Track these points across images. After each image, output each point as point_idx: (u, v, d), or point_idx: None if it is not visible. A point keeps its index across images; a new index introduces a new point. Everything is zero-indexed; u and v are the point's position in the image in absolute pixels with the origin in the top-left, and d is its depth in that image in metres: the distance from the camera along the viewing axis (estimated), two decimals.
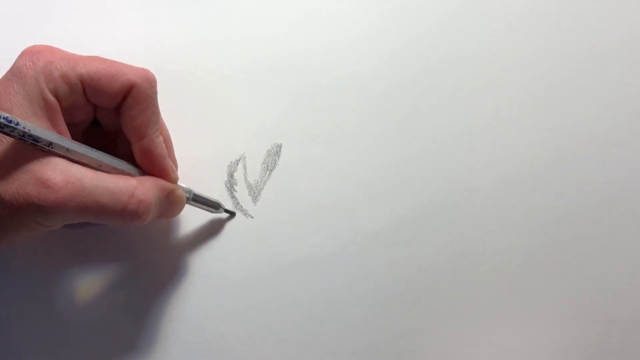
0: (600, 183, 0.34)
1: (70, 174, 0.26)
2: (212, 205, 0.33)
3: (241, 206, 0.34)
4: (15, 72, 0.26)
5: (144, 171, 0.30)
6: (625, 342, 0.33)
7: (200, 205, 0.32)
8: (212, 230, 0.34)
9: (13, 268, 0.33)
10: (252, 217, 0.34)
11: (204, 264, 0.34)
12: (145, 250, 0.34)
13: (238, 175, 0.35)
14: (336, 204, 0.34)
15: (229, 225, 0.34)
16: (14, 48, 0.27)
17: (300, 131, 0.35)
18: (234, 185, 0.35)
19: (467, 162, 0.34)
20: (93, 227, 0.34)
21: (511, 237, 0.34)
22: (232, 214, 0.34)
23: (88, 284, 0.33)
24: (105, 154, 0.28)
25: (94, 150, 0.27)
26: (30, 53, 0.27)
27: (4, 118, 0.24)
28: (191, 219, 0.34)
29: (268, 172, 0.35)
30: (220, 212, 0.34)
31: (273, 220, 0.34)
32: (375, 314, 0.33)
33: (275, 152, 0.35)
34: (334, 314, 0.33)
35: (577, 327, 0.33)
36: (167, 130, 0.32)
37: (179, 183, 0.31)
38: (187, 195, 0.31)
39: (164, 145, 0.30)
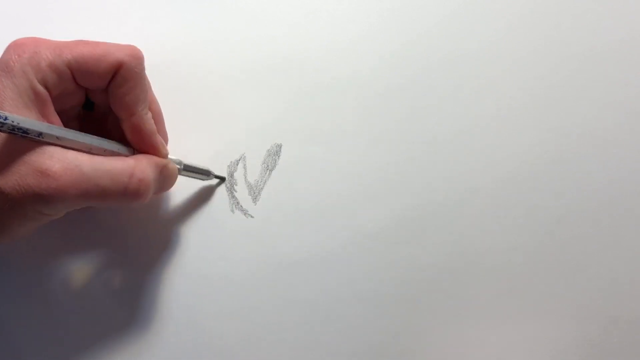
0: (600, 183, 0.34)
1: (68, 161, 0.26)
2: (202, 172, 0.33)
3: (241, 206, 0.34)
4: (2, 67, 0.26)
5: (134, 149, 0.30)
6: (625, 342, 0.33)
7: (191, 174, 0.33)
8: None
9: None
10: (252, 217, 0.34)
11: (204, 264, 0.34)
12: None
13: (238, 175, 0.35)
14: (336, 204, 0.34)
15: (229, 225, 0.34)
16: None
17: (300, 131, 0.35)
18: (234, 185, 0.35)
19: (467, 162, 0.34)
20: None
21: (511, 237, 0.34)
22: (222, 179, 0.34)
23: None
24: (95, 137, 0.28)
25: (84, 134, 0.28)
26: (15, 46, 0.27)
27: None
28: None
29: (268, 172, 0.35)
30: (211, 179, 0.34)
31: (273, 220, 0.34)
32: (375, 314, 0.33)
33: (275, 152, 0.35)
34: (334, 314, 0.33)
35: (577, 327, 0.33)
36: (158, 105, 0.32)
37: (170, 156, 0.31)
38: (179, 166, 0.32)
39: (153, 121, 0.30)
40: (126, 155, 0.29)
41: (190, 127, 0.35)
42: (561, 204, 0.34)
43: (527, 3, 0.36)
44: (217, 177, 0.34)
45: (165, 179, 0.31)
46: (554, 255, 0.34)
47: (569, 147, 0.34)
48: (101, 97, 0.30)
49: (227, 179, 0.35)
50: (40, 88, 0.26)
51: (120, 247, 0.34)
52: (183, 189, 0.34)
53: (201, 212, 0.34)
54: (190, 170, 0.33)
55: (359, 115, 0.35)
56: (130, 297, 0.33)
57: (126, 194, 0.27)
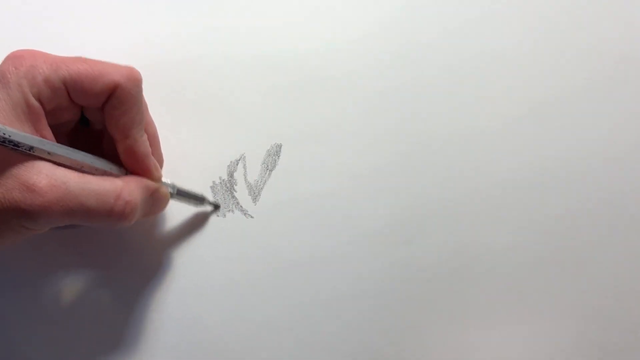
0: (600, 183, 0.34)
1: (56, 178, 0.26)
2: (196, 198, 0.33)
3: (241, 206, 0.34)
4: None
5: (127, 170, 0.30)
6: (625, 342, 0.33)
7: (184, 199, 0.33)
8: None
9: (3, 262, 0.33)
10: (252, 217, 0.34)
11: (204, 264, 0.34)
12: (136, 248, 0.34)
13: (238, 175, 0.35)
14: (336, 204, 0.34)
15: (229, 226, 0.34)
16: (12, 47, 0.27)
17: (300, 131, 0.35)
18: (234, 185, 0.35)
19: (468, 162, 0.34)
20: (81, 227, 0.34)
21: (511, 237, 0.34)
22: (216, 207, 0.34)
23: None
24: (88, 154, 0.28)
25: (76, 151, 0.27)
26: (13, 58, 0.27)
27: None
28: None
29: (268, 172, 0.35)
30: (205, 206, 0.34)
31: (273, 220, 0.34)
32: (375, 313, 0.33)
33: (275, 152, 0.35)
34: (334, 314, 0.33)
35: (577, 327, 0.33)
36: (154, 126, 0.32)
37: (163, 179, 0.31)
38: (171, 190, 0.31)
39: (148, 143, 0.30)
40: (117, 176, 0.29)
41: (191, 127, 0.35)
42: (561, 204, 0.34)
43: (527, 4, 0.36)
44: (211, 204, 0.34)
45: (155, 202, 0.30)
46: (554, 255, 0.34)
47: (569, 147, 0.34)
48: (97, 115, 0.29)
49: (227, 178, 0.35)
50: (34, 102, 0.26)
51: (112, 246, 0.34)
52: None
53: (201, 210, 0.34)
54: (184, 195, 0.32)
55: (359, 115, 0.35)
56: (129, 297, 0.33)
57: (111, 215, 0.27)
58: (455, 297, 0.33)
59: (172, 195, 0.32)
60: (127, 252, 0.34)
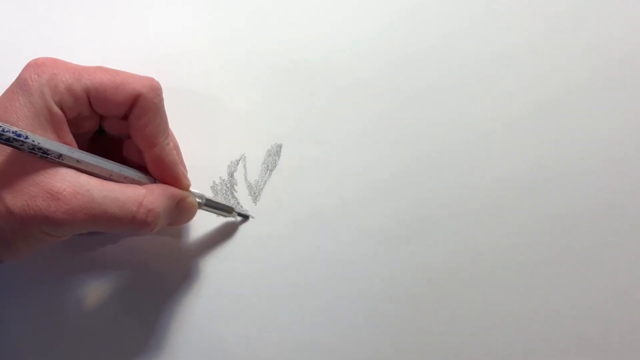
0: (600, 182, 0.34)
1: (80, 185, 0.26)
2: (225, 209, 0.33)
3: (241, 206, 0.34)
4: (20, 84, 0.26)
5: (155, 178, 0.30)
6: (625, 342, 0.33)
7: (213, 210, 0.32)
8: (225, 234, 0.34)
9: (20, 274, 0.33)
10: (252, 217, 0.34)
11: (204, 264, 0.34)
12: (149, 254, 0.34)
13: (238, 175, 0.35)
14: (336, 204, 0.34)
15: (229, 225, 0.34)
16: (17, 48, 0.27)
17: (300, 131, 0.35)
18: (234, 185, 0.35)
19: (468, 162, 0.34)
20: (102, 234, 0.34)
21: (511, 237, 0.34)
22: (245, 217, 0.34)
23: (95, 289, 0.33)
24: (115, 163, 0.28)
25: (104, 160, 0.28)
26: (35, 65, 0.27)
27: (13, 132, 0.24)
28: (201, 223, 0.34)
29: (268, 172, 0.35)
30: (234, 216, 0.34)
31: (273, 220, 0.34)
32: (375, 313, 0.33)
33: (275, 152, 0.35)
34: (334, 314, 0.33)
35: (577, 327, 0.33)
36: (175, 138, 0.32)
37: (192, 189, 0.31)
38: (200, 200, 0.31)
39: (174, 152, 0.30)
40: (143, 184, 0.29)
41: (191, 127, 0.35)
42: (561, 204, 0.34)
43: (530, 5, 0.36)
44: (241, 215, 0.34)
45: (182, 211, 0.30)
46: (554, 255, 0.34)
47: (569, 147, 0.34)
48: (115, 127, 0.30)
49: (227, 178, 0.35)
50: (57, 109, 0.26)
51: (125, 252, 0.34)
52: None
53: (201, 210, 0.34)
54: (212, 207, 0.32)
55: (359, 115, 0.35)
56: (134, 300, 0.33)
57: (133, 222, 0.27)
58: (455, 297, 0.33)
59: (200, 205, 0.31)
60: (139, 258, 0.34)
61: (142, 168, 0.30)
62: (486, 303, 0.33)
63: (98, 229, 0.27)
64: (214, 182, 0.35)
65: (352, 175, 0.34)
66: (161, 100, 0.29)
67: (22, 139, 0.24)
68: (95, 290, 0.33)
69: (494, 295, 0.33)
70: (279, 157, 0.35)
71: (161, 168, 0.29)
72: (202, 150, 0.35)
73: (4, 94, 0.27)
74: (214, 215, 0.33)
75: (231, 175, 0.35)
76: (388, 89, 0.35)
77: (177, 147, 0.32)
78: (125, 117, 0.29)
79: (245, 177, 0.35)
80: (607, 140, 0.34)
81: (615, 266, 0.33)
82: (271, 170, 0.35)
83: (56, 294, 0.33)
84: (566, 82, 0.35)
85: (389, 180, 0.34)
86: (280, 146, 0.35)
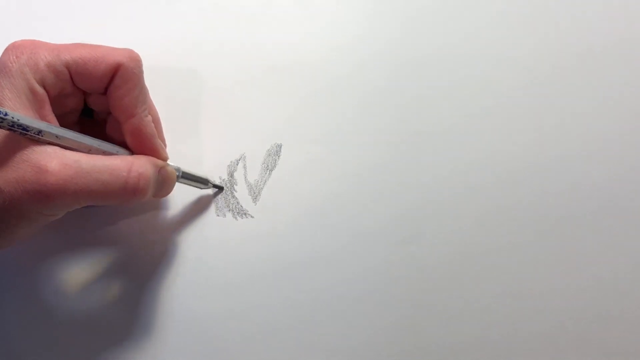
0: (600, 182, 0.34)
1: (66, 158, 0.26)
2: (201, 181, 0.33)
3: (241, 206, 0.34)
4: (0, 68, 0.26)
5: (133, 152, 0.30)
6: (625, 342, 0.33)
7: (189, 182, 0.33)
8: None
9: (5, 258, 0.33)
10: (252, 217, 0.34)
11: (204, 264, 0.34)
12: (139, 241, 0.34)
13: (238, 174, 0.35)
14: (336, 204, 0.34)
15: (229, 225, 0.34)
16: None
17: (300, 131, 0.35)
18: (234, 185, 0.35)
19: (468, 162, 0.34)
20: (87, 217, 0.34)
21: (511, 237, 0.34)
22: (220, 189, 0.34)
23: (81, 276, 0.33)
24: (95, 138, 0.28)
25: (83, 135, 0.28)
26: (13, 48, 0.27)
27: None
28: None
29: (268, 172, 0.35)
30: (209, 187, 0.34)
31: (273, 220, 0.34)
32: (375, 313, 0.33)
33: (275, 152, 0.35)
34: (334, 313, 0.33)
35: (577, 327, 0.33)
36: (156, 111, 0.32)
37: (168, 162, 0.31)
38: (177, 173, 0.32)
39: (153, 125, 0.30)
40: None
41: (191, 127, 0.35)
42: (561, 204, 0.34)
43: (527, 4, 0.36)
44: (215, 186, 0.34)
45: (163, 180, 0.30)
46: (554, 255, 0.34)
47: (569, 147, 0.34)
48: (99, 103, 0.30)
49: (227, 178, 0.35)
50: (39, 88, 0.26)
51: (119, 251, 0.34)
52: (181, 196, 0.34)
53: (200, 212, 0.34)
54: (188, 178, 0.33)
55: (359, 115, 0.35)
56: (129, 298, 0.33)
57: (126, 188, 0.27)
58: (455, 297, 0.33)
59: (177, 178, 0.32)
60: (129, 243, 0.34)
61: (124, 146, 0.30)
62: (486, 303, 0.33)
63: (90, 200, 0.27)
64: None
65: (351, 175, 0.34)
66: (141, 71, 0.29)
67: (1, 115, 0.24)
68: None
69: (493, 295, 0.33)
70: (278, 156, 0.35)
71: (139, 139, 0.29)
72: (203, 150, 0.35)
73: None
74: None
75: (231, 174, 0.35)
76: (388, 89, 0.35)
77: (157, 121, 0.32)
78: (106, 93, 0.29)
79: (245, 177, 0.35)
80: (608, 140, 0.34)
81: (615, 266, 0.33)
82: (271, 170, 0.35)
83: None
84: (567, 82, 0.35)
85: (388, 180, 0.34)
86: (280, 146, 0.35)
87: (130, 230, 0.34)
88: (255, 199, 0.34)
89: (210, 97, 0.35)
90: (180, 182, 0.32)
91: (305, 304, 0.33)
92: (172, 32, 0.36)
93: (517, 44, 0.35)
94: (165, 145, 0.33)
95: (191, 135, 0.35)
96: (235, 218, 0.34)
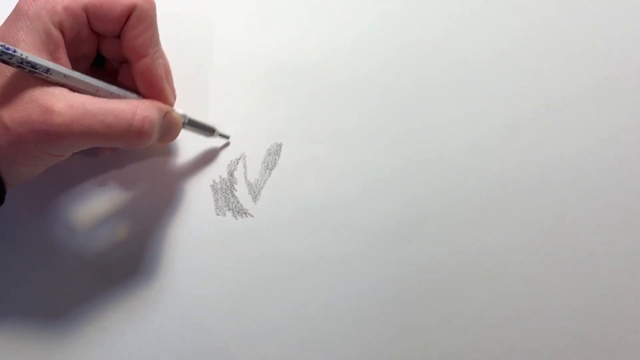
0: (600, 183, 0.34)
1: (73, 99, 0.27)
2: (207, 129, 0.33)
3: (241, 205, 0.34)
4: (17, 11, 0.27)
5: (141, 95, 0.30)
6: (625, 342, 0.33)
7: (195, 129, 0.33)
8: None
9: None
10: (252, 216, 0.34)
11: (204, 264, 0.34)
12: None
13: (238, 174, 0.35)
14: (336, 204, 0.34)
15: (229, 225, 0.34)
16: None
17: (300, 130, 0.35)
18: (234, 184, 0.35)
19: (467, 161, 0.34)
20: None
21: (511, 237, 0.34)
22: (226, 138, 0.35)
23: (87, 211, 0.34)
24: (103, 81, 0.29)
25: (91, 77, 0.28)
26: None
27: (1, 45, 0.25)
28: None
29: (268, 171, 0.35)
30: (215, 137, 0.34)
31: (273, 220, 0.34)
32: (375, 313, 0.33)
33: (275, 151, 0.35)
34: (334, 314, 0.33)
35: (577, 327, 0.33)
36: (167, 60, 0.32)
37: (175, 108, 0.31)
38: (183, 120, 0.32)
39: (163, 68, 0.30)
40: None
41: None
42: (561, 204, 0.34)
43: (527, 4, 0.36)
44: (222, 135, 0.34)
45: (168, 125, 0.31)
46: (554, 255, 0.34)
47: (569, 146, 0.34)
48: (112, 49, 0.30)
49: (227, 177, 0.35)
50: (55, 31, 0.27)
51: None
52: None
53: (201, 210, 0.34)
54: (195, 126, 0.33)
55: (359, 115, 0.35)
56: (127, 293, 0.33)
57: (130, 131, 0.28)
58: (455, 297, 0.33)
59: (183, 125, 0.32)
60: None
61: (133, 91, 0.30)
62: (485, 303, 0.33)
63: (95, 141, 0.27)
64: (213, 180, 0.35)
65: (351, 175, 0.34)
66: (155, 14, 0.30)
67: (10, 52, 0.25)
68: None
69: (493, 295, 0.33)
70: (278, 156, 0.35)
71: (149, 80, 0.30)
72: (202, 148, 0.35)
73: (3, 24, 0.27)
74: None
75: (231, 174, 0.35)
76: (388, 88, 0.35)
77: (168, 68, 0.32)
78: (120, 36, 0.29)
79: (245, 176, 0.35)
80: (607, 140, 0.34)
81: (615, 266, 0.33)
82: (271, 169, 0.35)
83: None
84: (565, 81, 0.35)
85: (388, 179, 0.34)
86: (280, 145, 0.35)
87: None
88: (255, 198, 0.34)
89: (210, 97, 0.35)
90: (186, 129, 0.32)
91: (305, 303, 0.33)
92: (172, 32, 0.36)
93: (518, 43, 0.35)
94: (174, 93, 0.33)
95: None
96: (235, 217, 0.34)
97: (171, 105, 0.31)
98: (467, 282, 0.33)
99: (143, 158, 0.35)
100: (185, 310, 0.33)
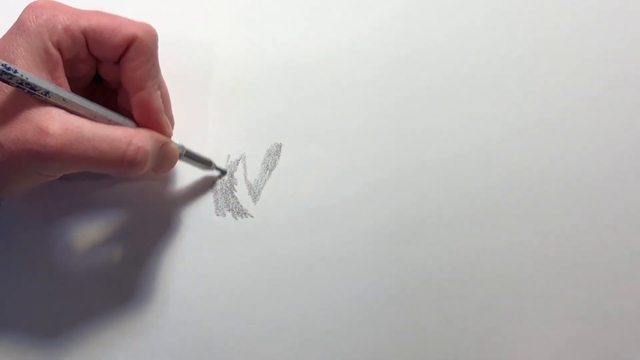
0: (602, 186, 0.34)
1: (69, 123, 0.26)
2: (204, 162, 0.33)
3: (241, 205, 0.34)
4: (19, 25, 0.27)
5: (139, 125, 0.30)
6: (625, 342, 0.33)
7: (192, 161, 0.33)
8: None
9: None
10: (252, 216, 0.34)
11: (204, 264, 0.34)
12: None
13: (238, 174, 0.35)
14: (336, 204, 0.34)
15: (229, 225, 0.34)
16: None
17: (300, 131, 0.35)
18: (234, 185, 0.35)
19: (467, 162, 0.34)
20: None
21: (511, 237, 0.34)
22: (223, 172, 0.35)
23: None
24: (102, 106, 0.28)
25: (90, 102, 0.28)
26: (34, 7, 0.27)
27: (2, 65, 0.25)
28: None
29: (268, 172, 0.35)
30: (212, 170, 0.34)
31: (273, 220, 0.34)
32: (375, 313, 0.33)
33: (275, 152, 0.35)
34: (334, 314, 0.33)
35: (577, 327, 0.33)
36: (166, 88, 0.33)
37: (173, 139, 0.31)
38: (180, 151, 0.32)
39: (161, 100, 0.30)
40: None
41: (191, 127, 0.35)
42: (561, 204, 0.34)
43: (527, 4, 0.36)
44: (218, 169, 0.34)
45: (165, 156, 0.31)
46: (554, 255, 0.33)
47: (570, 146, 0.34)
48: (111, 72, 0.30)
49: (227, 178, 0.35)
50: (53, 50, 0.27)
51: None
52: (184, 176, 0.35)
53: (201, 210, 0.34)
54: (192, 157, 0.33)
55: (359, 115, 0.35)
56: (127, 293, 0.33)
57: (123, 160, 0.27)
58: (455, 297, 0.33)
59: (180, 157, 0.32)
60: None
61: (131, 117, 0.30)
62: (485, 303, 0.33)
63: (87, 166, 0.27)
64: (213, 181, 0.35)
65: (351, 175, 0.34)
66: (156, 47, 0.29)
67: (10, 72, 0.25)
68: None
69: (493, 296, 0.33)
70: (278, 156, 0.35)
71: (147, 113, 0.30)
72: (202, 149, 0.35)
73: (3, 36, 0.27)
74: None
75: (231, 174, 0.35)
76: (388, 89, 0.35)
77: (166, 98, 0.32)
78: (119, 63, 0.29)
79: (245, 177, 0.35)
80: (609, 144, 0.34)
81: (616, 269, 0.33)
82: (271, 170, 0.35)
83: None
84: (567, 85, 0.35)
85: (388, 180, 0.34)
86: (280, 146, 0.35)
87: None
88: (255, 198, 0.34)
89: (210, 97, 0.35)
90: (183, 161, 0.32)
91: (305, 303, 0.33)
92: (172, 32, 0.36)
93: (518, 44, 0.35)
94: (172, 123, 0.33)
95: (191, 135, 0.35)
96: (235, 218, 0.34)
97: (169, 136, 0.31)
98: (467, 282, 0.33)
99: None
100: (185, 310, 0.33)
